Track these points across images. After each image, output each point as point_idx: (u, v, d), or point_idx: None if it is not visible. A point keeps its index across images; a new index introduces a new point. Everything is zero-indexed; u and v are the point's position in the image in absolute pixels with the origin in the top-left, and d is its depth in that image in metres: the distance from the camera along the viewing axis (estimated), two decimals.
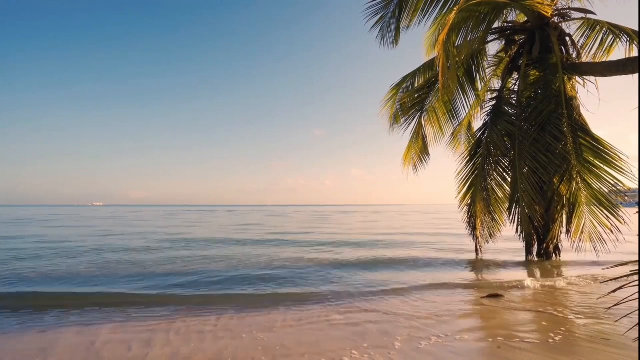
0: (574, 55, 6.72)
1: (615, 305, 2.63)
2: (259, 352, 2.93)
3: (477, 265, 7.51)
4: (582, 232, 5.89)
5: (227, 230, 17.08)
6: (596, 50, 6.86)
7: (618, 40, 6.52)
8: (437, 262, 7.72)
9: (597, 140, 5.83)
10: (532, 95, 6.75)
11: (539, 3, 5.56)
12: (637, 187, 5.26)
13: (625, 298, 2.40)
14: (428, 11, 6.85)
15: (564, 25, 6.77)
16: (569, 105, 6.21)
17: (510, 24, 7.44)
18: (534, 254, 7.38)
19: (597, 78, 6.41)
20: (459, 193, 7.47)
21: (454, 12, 5.20)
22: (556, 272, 6.30)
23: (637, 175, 5.39)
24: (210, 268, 6.97)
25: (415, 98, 8.34)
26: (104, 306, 4.38)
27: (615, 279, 2.77)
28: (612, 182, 5.64)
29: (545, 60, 6.53)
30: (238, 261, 7.83)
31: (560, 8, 6.83)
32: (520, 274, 6.29)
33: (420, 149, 8.62)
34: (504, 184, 6.91)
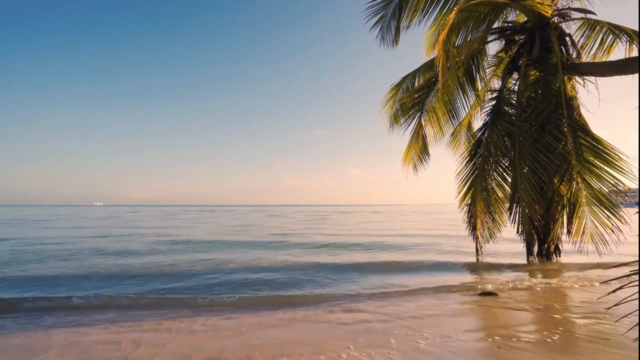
0: (574, 55, 6.72)
1: (615, 305, 2.63)
2: (258, 351, 2.93)
3: (477, 265, 7.52)
4: (583, 233, 5.88)
5: (226, 231, 17.06)
6: (596, 50, 6.85)
7: (618, 40, 6.52)
8: (437, 263, 7.73)
9: (597, 140, 5.82)
10: (532, 95, 6.75)
11: (539, 3, 5.56)
12: (637, 187, 5.25)
13: (625, 298, 2.40)
14: (428, 11, 6.85)
15: (564, 25, 6.77)
16: (569, 105, 6.20)
17: (510, 24, 7.43)
18: (535, 254, 7.37)
19: (597, 78, 6.41)
20: (459, 193, 7.46)
21: (453, 12, 5.19)
22: (556, 272, 6.30)
23: (637, 175, 5.39)
24: (205, 270, 6.93)
25: (415, 98, 8.34)
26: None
27: (615, 279, 2.77)
28: (613, 182, 5.63)
29: (545, 60, 6.53)
30: (234, 264, 7.81)
31: (560, 8, 6.83)
32: (521, 274, 6.29)
33: (420, 149, 8.62)
34: (504, 184, 6.90)
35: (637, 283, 2.18)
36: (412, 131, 8.62)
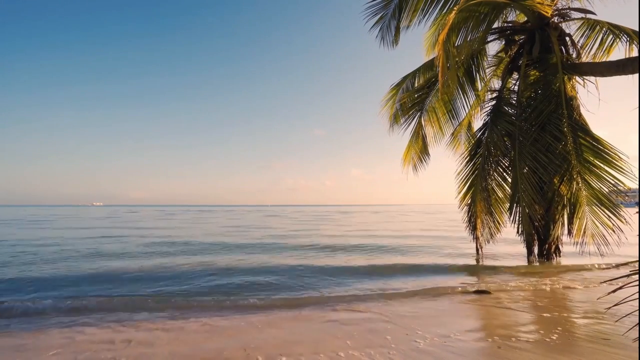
0: (574, 55, 6.72)
1: (615, 305, 2.63)
2: (258, 351, 2.92)
3: (477, 265, 7.52)
4: (584, 232, 5.88)
5: (225, 232, 17.04)
6: (596, 50, 6.85)
7: (618, 40, 6.52)
8: (437, 264, 7.72)
9: (597, 140, 5.82)
10: (532, 95, 6.75)
11: (539, 3, 5.56)
12: (637, 187, 5.25)
13: (625, 298, 2.40)
14: (428, 11, 6.85)
15: (563, 25, 6.77)
16: (569, 105, 6.20)
17: (510, 24, 7.43)
18: (535, 254, 7.37)
19: (597, 78, 6.41)
20: (459, 193, 7.46)
21: (453, 12, 5.19)
22: (556, 272, 6.29)
23: (637, 175, 5.38)
24: (203, 273, 6.90)
25: (415, 98, 8.34)
26: None
27: (615, 279, 2.77)
28: (613, 182, 5.63)
29: (545, 60, 6.53)
30: (233, 265, 7.78)
31: (560, 8, 6.83)
32: (521, 274, 6.29)
33: (420, 149, 8.62)
34: (504, 184, 6.90)
35: (637, 283, 2.18)
36: (412, 131, 8.62)
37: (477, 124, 8.32)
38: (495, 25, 6.96)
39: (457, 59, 6.30)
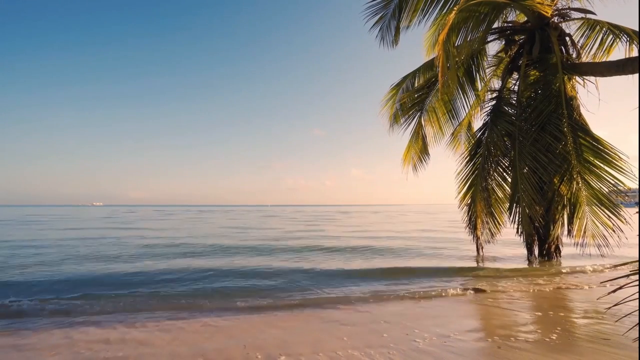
0: (574, 55, 6.72)
1: (615, 305, 2.62)
2: (259, 351, 2.92)
3: (477, 265, 7.52)
4: (584, 232, 5.88)
5: (224, 233, 17.03)
6: (596, 50, 6.85)
7: (618, 40, 6.52)
8: (437, 264, 7.72)
9: (597, 140, 5.82)
10: (532, 95, 6.75)
11: (538, 3, 5.55)
12: (637, 187, 5.25)
13: (625, 298, 2.40)
14: (428, 11, 6.85)
15: (563, 25, 6.77)
16: (569, 105, 6.20)
17: (510, 24, 7.43)
18: (536, 254, 7.38)
19: (597, 78, 6.41)
20: (459, 193, 7.46)
21: (453, 12, 5.19)
22: (556, 272, 6.29)
23: (637, 175, 5.38)
24: (204, 275, 6.89)
25: (415, 98, 8.34)
26: None
27: (615, 278, 2.77)
28: (613, 182, 5.63)
29: (545, 60, 6.53)
30: (233, 268, 7.80)
31: (560, 8, 6.83)
32: (521, 274, 6.28)
33: (420, 149, 8.62)
34: (504, 184, 6.90)
35: (637, 283, 2.18)
36: (412, 131, 8.62)
37: (477, 124, 8.33)
38: (495, 25, 6.96)
39: (457, 59, 6.30)
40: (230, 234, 15.81)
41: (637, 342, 2.78)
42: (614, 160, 5.62)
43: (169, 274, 6.50)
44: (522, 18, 7.37)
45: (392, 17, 7.49)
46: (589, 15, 6.71)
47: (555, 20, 6.74)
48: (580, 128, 6.03)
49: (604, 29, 6.62)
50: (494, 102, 7.13)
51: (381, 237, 13.78)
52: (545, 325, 3.53)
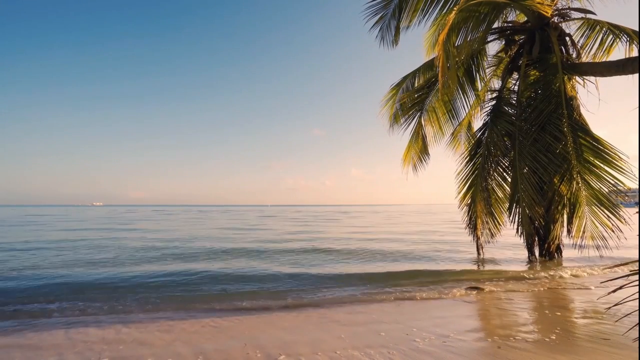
0: (574, 55, 6.72)
1: (615, 305, 2.63)
2: (259, 350, 2.93)
3: (477, 264, 7.52)
4: (583, 232, 5.88)
5: (224, 234, 17.02)
6: (596, 50, 6.85)
7: (618, 40, 6.52)
8: (437, 264, 7.73)
9: (597, 140, 5.82)
10: (532, 95, 6.75)
11: (538, 3, 5.55)
12: (637, 187, 5.25)
13: (625, 298, 2.40)
14: (428, 11, 6.85)
15: (563, 25, 6.76)
16: (569, 105, 6.20)
17: (510, 24, 7.43)
18: (536, 254, 7.38)
19: (597, 78, 6.41)
20: (459, 193, 7.46)
21: (453, 12, 5.19)
22: (557, 272, 6.29)
23: (637, 175, 5.38)
24: (203, 276, 6.91)
25: (415, 98, 8.34)
26: None
27: (615, 279, 2.77)
28: (613, 182, 5.63)
29: (545, 60, 6.53)
30: (233, 269, 7.79)
31: (560, 8, 6.83)
32: (521, 274, 6.28)
33: (420, 149, 8.61)
34: (504, 184, 6.90)
35: (637, 283, 2.18)
36: (412, 131, 8.61)
37: (477, 124, 8.33)
38: (495, 25, 6.96)
39: (457, 59, 6.30)
40: (230, 234, 15.81)
41: (637, 342, 2.78)
42: (614, 160, 5.62)
43: (169, 275, 6.50)
44: (522, 18, 7.37)
45: (392, 17, 7.49)
46: (589, 15, 6.71)
47: (555, 20, 6.74)
48: (580, 128, 6.03)
49: (604, 29, 6.62)
50: (494, 102, 7.13)
51: (381, 238, 13.78)
52: (545, 325, 3.53)
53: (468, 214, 7.40)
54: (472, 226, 7.41)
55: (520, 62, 6.90)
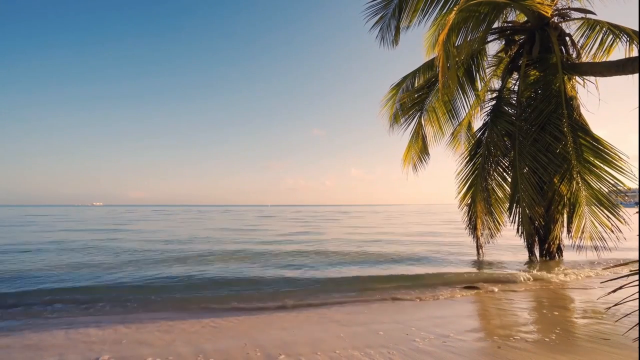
0: (574, 55, 6.72)
1: (615, 305, 2.63)
2: (259, 350, 2.93)
3: (478, 265, 7.52)
4: (582, 232, 5.88)
5: (227, 235, 17.01)
6: (596, 50, 6.85)
7: (618, 40, 6.52)
8: (436, 264, 7.72)
9: (597, 140, 5.82)
10: (532, 95, 6.75)
11: (538, 3, 5.55)
12: (637, 187, 5.25)
13: (625, 298, 2.40)
14: (428, 11, 6.85)
15: (563, 25, 6.77)
16: (569, 105, 6.20)
17: (510, 24, 7.43)
18: (537, 254, 7.38)
19: (597, 78, 6.41)
20: (459, 193, 7.46)
21: (453, 12, 5.19)
22: (557, 272, 6.29)
23: (637, 175, 5.38)
24: (203, 277, 6.91)
25: (415, 98, 8.34)
26: None
27: (615, 279, 2.77)
28: (612, 182, 5.63)
29: (545, 60, 6.53)
30: (231, 268, 7.78)
31: (560, 8, 6.83)
32: (522, 274, 6.28)
33: (420, 149, 8.62)
34: (504, 184, 6.90)
35: (637, 283, 2.18)
36: (412, 131, 8.62)
37: (477, 124, 8.33)
38: (495, 25, 6.96)
39: (457, 59, 6.30)
40: (230, 235, 15.81)
41: (637, 342, 2.78)
42: (613, 160, 5.62)
43: (169, 276, 6.50)
44: (522, 18, 7.37)
45: (392, 17, 7.49)
46: (589, 15, 6.71)
47: (555, 20, 6.74)
48: (580, 128, 6.03)
49: (604, 29, 6.62)
50: (494, 102, 7.13)
51: (382, 239, 13.77)
52: (545, 325, 3.53)
53: (468, 214, 7.40)
54: (472, 226, 7.42)
55: (520, 62, 6.90)
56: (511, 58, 7.34)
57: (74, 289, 5.48)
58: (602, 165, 5.72)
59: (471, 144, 7.81)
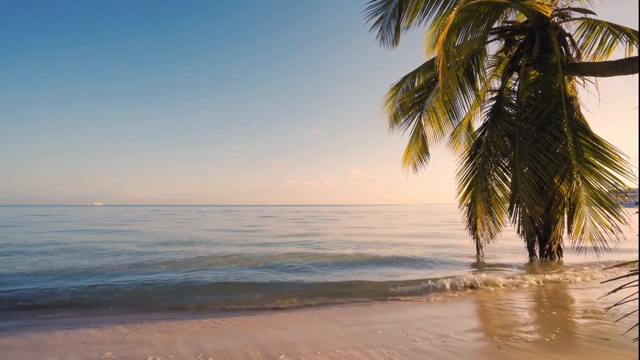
0: (574, 55, 6.71)
1: (615, 305, 2.63)
2: (259, 350, 2.93)
3: (478, 265, 7.51)
4: (582, 232, 5.88)
5: (227, 235, 17.01)
6: (596, 50, 6.85)
7: (618, 40, 6.52)
8: (438, 267, 7.71)
9: (597, 140, 5.82)
10: (532, 95, 6.75)
11: (538, 3, 5.56)
12: (637, 187, 5.25)
13: (625, 298, 2.40)
14: (428, 11, 6.85)
15: (563, 25, 6.77)
16: (569, 105, 6.20)
17: (510, 24, 7.43)
18: (537, 254, 7.38)
19: (597, 78, 6.41)
20: (459, 193, 7.46)
21: (453, 12, 5.19)
22: (557, 272, 6.29)
23: (637, 175, 5.38)
24: (203, 278, 6.91)
25: (415, 98, 8.34)
26: None
27: (615, 279, 2.77)
28: (612, 182, 5.63)
29: (545, 60, 6.53)
30: (231, 270, 7.78)
31: (560, 8, 6.83)
32: (522, 274, 6.28)
33: (420, 149, 8.61)
34: (504, 184, 6.90)
35: (637, 283, 2.18)
36: (412, 131, 8.61)
37: (477, 124, 8.33)
38: (495, 25, 6.96)
39: (457, 59, 6.30)
40: (230, 235, 15.81)
41: (637, 342, 2.78)
42: (613, 160, 5.62)
43: (169, 276, 6.50)
44: (522, 18, 7.37)
45: (392, 17, 7.49)
46: (589, 15, 6.71)
47: (555, 20, 6.74)
48: (580, 128, 6.03)
49: (604, 29, 6.62)
50: (494, 102, 7.13)
51: (381, 241, 13.77)
52: (545, 325, 3.53)
53: (468, 214, 7.40)
54: (472, 226, 7.42)
55: (520, 62, 6.90)
56: (511, 58, 7.33)
57: (74, 289, 5.48)
58: (602, 165, 5.72)
59: (471, 144, 7.81)
